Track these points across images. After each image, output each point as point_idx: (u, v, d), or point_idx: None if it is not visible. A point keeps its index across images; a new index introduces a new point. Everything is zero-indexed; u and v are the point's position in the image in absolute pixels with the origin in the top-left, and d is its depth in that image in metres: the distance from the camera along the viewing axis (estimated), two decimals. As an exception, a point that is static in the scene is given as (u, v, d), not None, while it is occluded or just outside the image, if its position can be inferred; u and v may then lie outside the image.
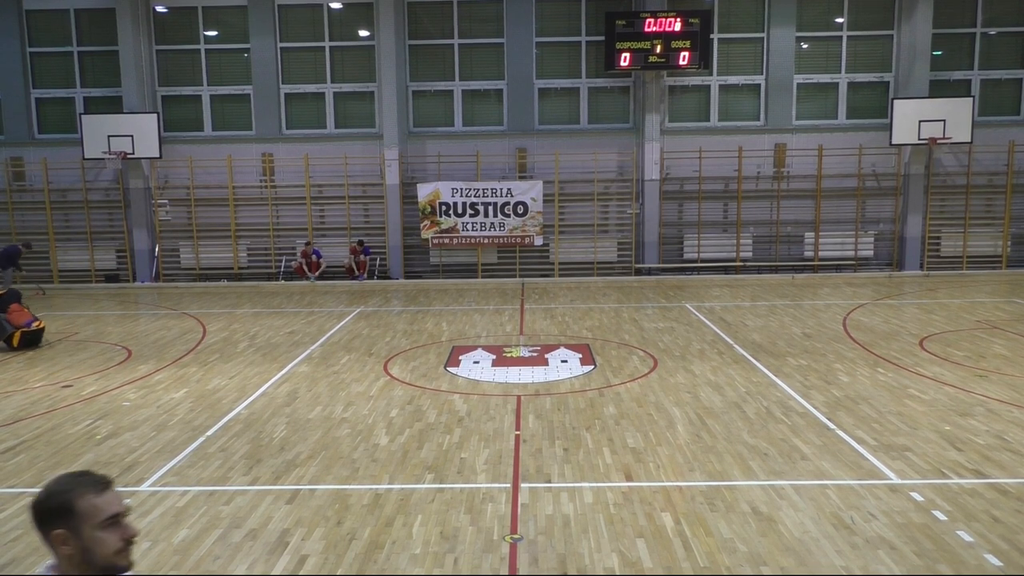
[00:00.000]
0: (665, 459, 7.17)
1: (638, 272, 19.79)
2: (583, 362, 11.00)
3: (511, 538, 5.65)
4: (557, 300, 16.77)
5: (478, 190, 19.29)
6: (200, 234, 20.11)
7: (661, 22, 18.47)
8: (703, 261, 19.79)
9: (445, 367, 10.88)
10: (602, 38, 19.10)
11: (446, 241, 19.61)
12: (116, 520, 2.27)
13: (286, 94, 20.03)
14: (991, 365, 10.40)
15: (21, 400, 9.59)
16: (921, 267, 19.51)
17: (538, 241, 19.56)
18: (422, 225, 19.56)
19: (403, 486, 6.65)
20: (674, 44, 18.53)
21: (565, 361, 11.08)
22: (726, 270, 19.81)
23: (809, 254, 19.77)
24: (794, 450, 7.33)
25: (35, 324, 12.70)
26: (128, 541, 2.29)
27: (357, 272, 19.49)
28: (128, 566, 2.31)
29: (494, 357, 11.39)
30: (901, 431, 7.81)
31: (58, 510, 2.22)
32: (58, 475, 2.31)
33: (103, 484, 2.27)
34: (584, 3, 19.60)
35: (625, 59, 18.62)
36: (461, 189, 19.30)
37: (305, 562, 5.37)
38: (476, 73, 19.95)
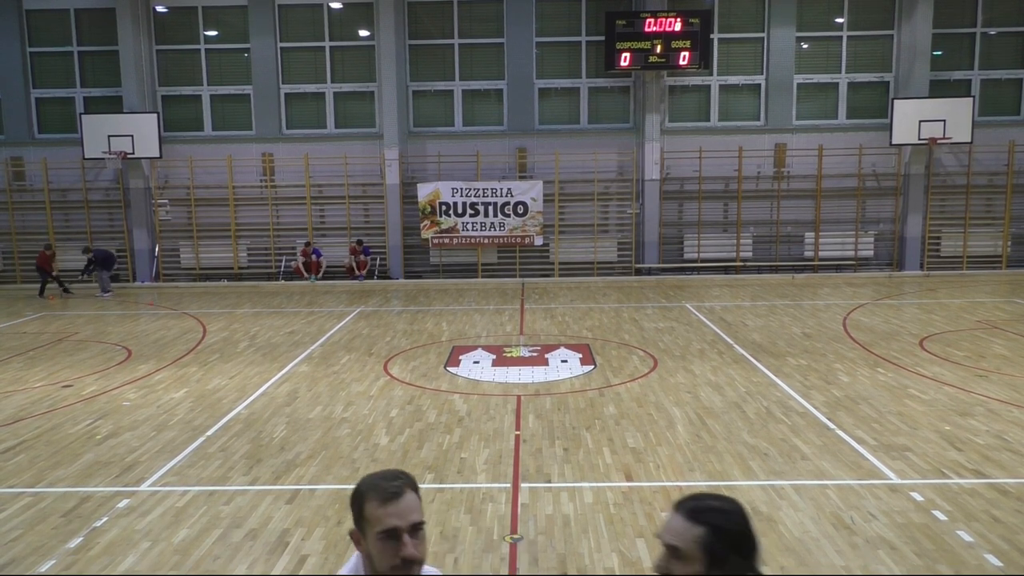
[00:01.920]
0: (665, 459, 7.17)
1: (638, 272, 19.79)
2: (583, 362, 11.00)
3: (511, 538, 5.65)
4: (557, 300, 16.77)
5: (478, 190, 19.29)
6: (200, 234, 20.11)
7: (661, 22, 18.46)
8: (703, 261, 19.79)
9: (445, 367, 10.88)
10: (602, 38, 19.09)
11: (446, 241, 19.60)
12: (395, 534, 2.07)
13: (286, 94, 20.03)
14: (991, 365, 10.40)
15: (21, 400, 9.60)
16: (921, 267, 19.50)
17: (538, 241, 19.56)
18: (422, 225, 19.56)
19: (403, 486, 6.63)
20: (674, 44, 18.52)
21: (565, 361, 11.07)
22: (726, 270, 19.81)
23: (809, 254, 19.77)
24: (794, 450, 7.32)
25: None
26: (406, 560, 2.08)
27: (357, 272, 19.49)
28: None
29: (494, 357, 11.39)
30: (901, 431, 7.81)
31: (354, 509, 2.15)
32: (373, 472, 2.20)
33: (392, 494, 2.09)
34: (584, 3, 19.59)
35: (625, 59, 18.62)
36: (461, 189, 19.30)
37: (305, 562, 5.37)
38: (476, 73, 19.95)
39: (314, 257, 19.36)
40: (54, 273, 18.47)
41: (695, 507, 1.94)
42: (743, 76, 19.67)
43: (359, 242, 19.50)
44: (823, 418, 8.26)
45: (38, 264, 18.40)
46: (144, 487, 6.75)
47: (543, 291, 18.14)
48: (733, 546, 1.88)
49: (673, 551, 1.92)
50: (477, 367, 10.81)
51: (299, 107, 20.15)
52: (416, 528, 2.10)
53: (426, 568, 2.20)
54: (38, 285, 18.47)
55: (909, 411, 8.46)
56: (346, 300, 17.37)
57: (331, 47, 19.88)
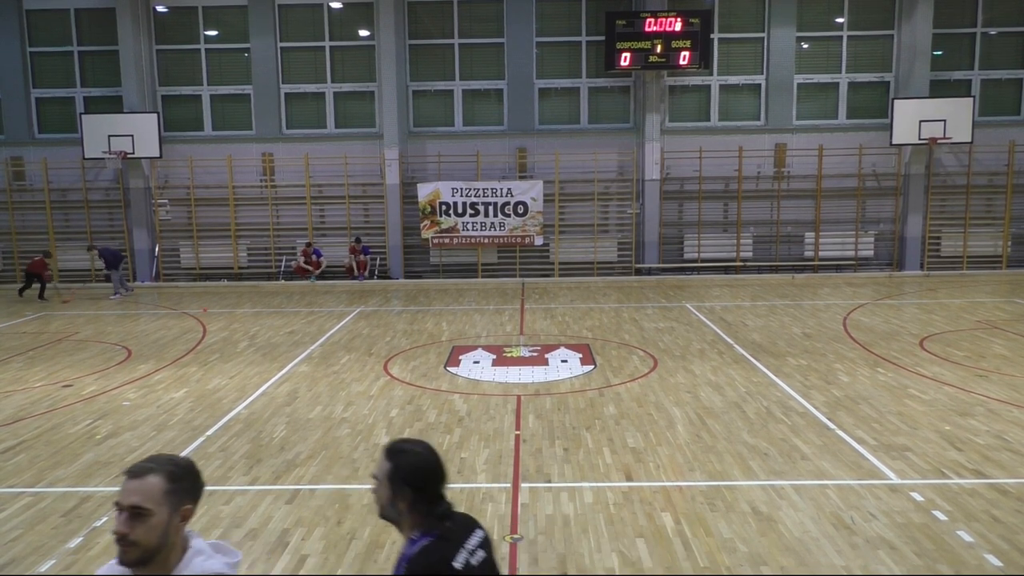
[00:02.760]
0: (665, 459, 7.17)
1: (638, 272, 19.79)
2: (583, 362, 11.00)
3: (511, 538, 5.65)
4: (557, 300, 16.77)
5: (478, 190, 19.29)
6: (200, 234, 20.11)
7: (661, 22, 18.46)
8: (703, 261, 19.79)
9: (445, 367, 10.88)
10: (602, 38, 19.09)
11: (446, 241, 19.60)
12: (118, 508, 2.23)
13: (286, 94, 20.03)
14: (991, 365, 10.40)
15: (21, 400, 9.59)
16: (921, 267, 19.50)
17: (538, 241, 19.56)
18: (422, 225, 19.56)
19: (403, 486, 6.63)
20: (674, 44, 18.52)
21: (565, 361, 11.07)
22: (726, 270, 19.81)
23: (809, 254, 19.77)
24: (794, 450, 7.32)
25: None
26: (116, 534, 2.21)
27: (357, 272, 19.49)
28: (124, 562, 2.23)
29: (494, 357, 11.39)
30: (901, 431, 7.81)
31: None
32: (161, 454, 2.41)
33: (132, 472, 2.27)
34: (584, 3, 19.59)
35: (625, 59, 18.62)
36: (461, 189, 19.30)
37: (305, 562, 5.37)
38: (476, 73, 19.94)
39: (314, 257, 19.37)
40: (50, 282, 17.75)
41: (390, 448, 2.70)
42: (743, 76, 19.67)
43: (357, 240, 19.50)
44: (823, 418, 8.26)
45: (32, 270, 17.62)
46: (144, 487, 6.73)
47: (543, 291, 18.14)
48: (406, 479, 2.60)
49: (376, 480, 2.65)
50: (477, 367, 10.81)
51: (299, 107, 20.15)
52: (136, 511, 2.19)
53: (204, 564, 2.27)
54: (36, 288, 17.72)
55: (909, 411, 8.46)
56: (346, 300, 17.37)
57: (331, 47, 19.87)
